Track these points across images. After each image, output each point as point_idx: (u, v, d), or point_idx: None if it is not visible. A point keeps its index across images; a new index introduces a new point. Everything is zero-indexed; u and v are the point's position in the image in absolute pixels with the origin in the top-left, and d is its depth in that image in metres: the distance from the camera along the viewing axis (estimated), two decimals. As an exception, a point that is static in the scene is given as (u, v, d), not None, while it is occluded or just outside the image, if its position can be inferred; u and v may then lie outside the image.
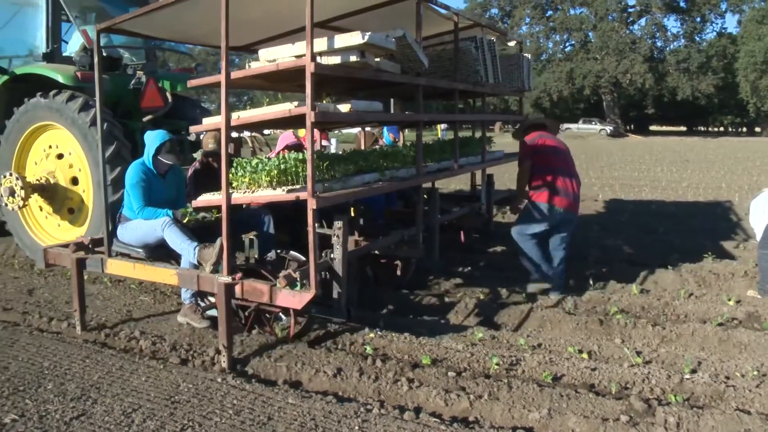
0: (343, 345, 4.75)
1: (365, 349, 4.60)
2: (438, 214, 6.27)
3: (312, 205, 3.96)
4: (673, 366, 4.32)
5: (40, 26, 7.82)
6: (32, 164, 7.75)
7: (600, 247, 7.75)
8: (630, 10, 54.55)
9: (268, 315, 4.92)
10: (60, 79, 7.20)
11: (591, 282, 6.26)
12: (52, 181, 7.53)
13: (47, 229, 7.84)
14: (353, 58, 4.23)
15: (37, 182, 7.50)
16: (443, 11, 5.91)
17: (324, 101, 5.03)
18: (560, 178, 5.96)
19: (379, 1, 5.28)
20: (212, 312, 4.89)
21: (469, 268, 7.13)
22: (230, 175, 4.40)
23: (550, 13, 58.54)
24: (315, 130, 6.71)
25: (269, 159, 4.65)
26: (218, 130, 4.85)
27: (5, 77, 7.80)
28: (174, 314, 5.47)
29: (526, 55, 7.59)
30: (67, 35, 8.36)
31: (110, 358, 4.45)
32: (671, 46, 54.97)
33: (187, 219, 5.06)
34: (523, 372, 4.26)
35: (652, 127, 67.69)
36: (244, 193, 4.45)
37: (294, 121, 4.28)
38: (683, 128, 66.96)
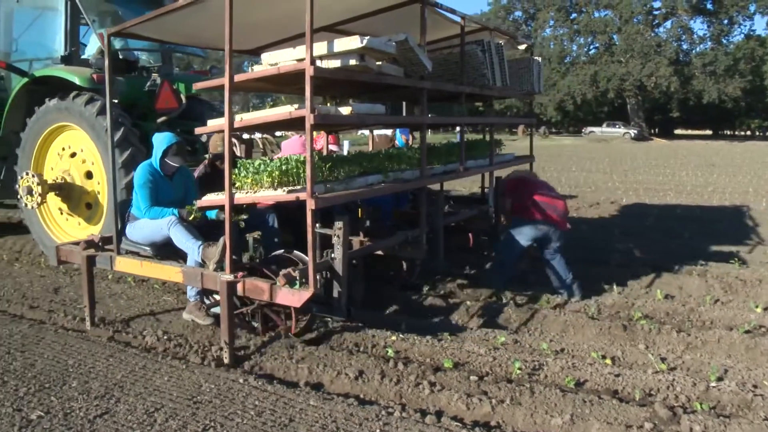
0: (365, 347, 4.75)
1: (387, 351, 4.59)
2: (442, 216, 6.32)
3: (311, 205, 4.05)
4: (698, 373, 4.27)
5: (59, 30, 7.98)
6: (50, 164, 7.93)
7: (623, 252, 7.69)
8: (655, 12, 54.01)
9: (274, 315, 4.97)
10: (77, 81, 7.35)
11: (614, 287, 6.20)
12: (68, 180, 7.73)
13: (64, 228, 8.02)
14: (353, 62, 4.34)
15: (54, 182, 7.70)
16: (450, 15, 5.96)
17: (328, 104, 5.08)
18: (540, 197, 6.17)
19: (382, 6, 5.39)
20: (216, 309, 4.97)
21: (475, 270, 7.14)
22: (233, 176, 4.52)
23: (574, 15, 58.17)
24: (324, 134, 6.82)
25: (272, 160, 4.72)
26: (239, 130, 5.07)
27: (25, 79, 7.94)
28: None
29: (536, 58, 7.63)
30: (86, 38, 8.53)
31: (133, 357, 4.49)
32: (697, 49, 54.37)
33: (192, 217, 5.14)
34: (545, 377, 4.22)
35: (677, 131, 66.91)
36: (246, 193, 4.55)
37: (295, 123, 4.38)
38: (709, 132, 66.12)
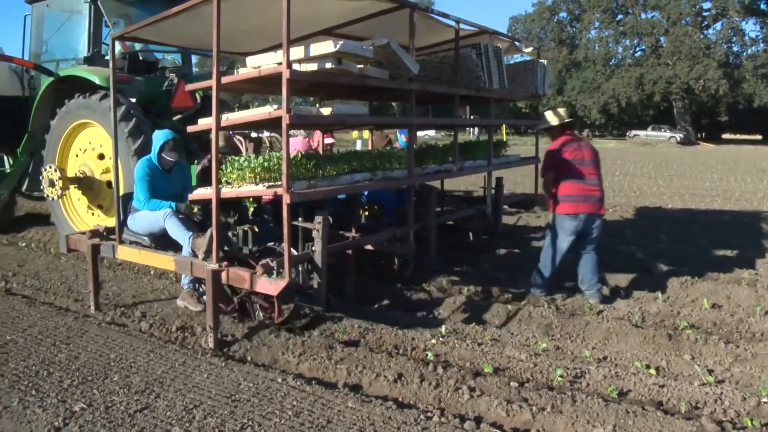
0: (404, 350, 4.73)
1: (426, 355, 4.56)
2: (434, 214, 6.46)
3: (286, 199, 4.27)
4: (748, 387, 4.12)
5: (83, 32, 8.49)
6: (73, 158, 8.46)
7: (668, 258, 7.50)
8: (705, 13, 52.82)
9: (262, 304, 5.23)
10: (96, 80, 7.78)
11: (659, 294, 6.06)
12: (88, 174, 8.22)
13: (84, 219, 8.47)
14: (329, 65, 4.54)
15: (75, 175, 8.25)
16: (443, 19, 6.13)
17: (317, 105, 5.23)
18: (575, 186, 5.97)
19: (372, 12, 5.61)
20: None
21: (469, 267, 7.21)
22: (220, 172, 4.78)
23: (620, 17, 57.21)
24: (318, 132, 7.29)
25: (256, 157, 4.93)
26: (227, 129, 5.46)
27: (51, 78, 8.46)
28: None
29: (542, 60, 7.71)
30: (108, 40, 8.88)
31: (173, 354, 4.54)
32: (749, 51, 52.99)
33: (190, 211, 5.51)
34: (587, 385, 4.14)
35: (725, 135, 65.33)
36: (232, 188, 4.80)
37: (276, 123, 4.53)
38: (759, 137, 64.31)
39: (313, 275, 4.93)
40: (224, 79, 4.77)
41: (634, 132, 54.32)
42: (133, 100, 8.05)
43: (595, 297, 5.93)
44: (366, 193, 7.37)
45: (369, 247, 6.10)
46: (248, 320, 5.26)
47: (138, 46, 8.72)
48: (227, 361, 4.42)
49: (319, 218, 4.81)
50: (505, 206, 8.61)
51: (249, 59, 4.95)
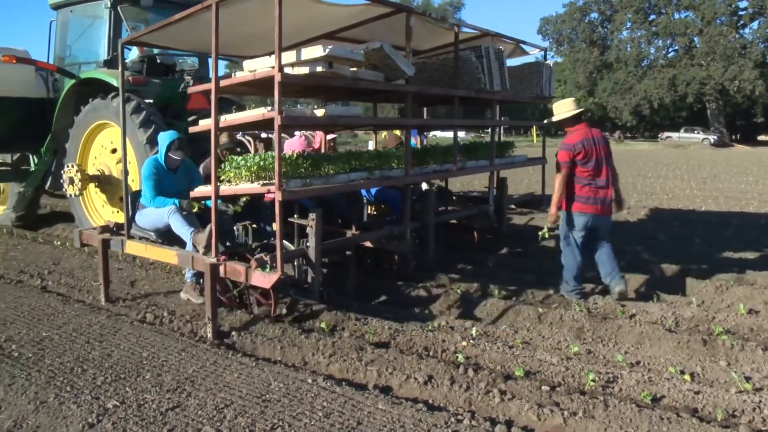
0: (435, 352, 4.71)
1: (457, 357, 4.54)
2: (433, 213, 6.65)
3: (278, 197, 4.55)
4: (787, 395, 4.03)
5: (104, 37, 8.95)
6: (92, 157, 9.07)
7: (703, 262, 7.37)
8: (741, 12, 51.76)
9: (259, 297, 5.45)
10: (114, 82, 8.12)
11: (693, 299, 5.95)
12: (106, 172, 8.63)
13: (103, 215, 8.85)
14: (320, 69, 4.78)
15: (94, 173, 8.74)
16: (440, 22, 6.37)
17: (315, 107, 5.76)
18: (591, 187, 5.97)
19: (369, 17, 5.85)
20: None
21: (471, 265, 7.34)
22: (219, 170, 5.06)
23: (653, 17, 56.34)
24: (319, 132, 7.68)
25: (253, 156, 5.17)
26: (229, 128, 5.79)
27: (73, 81, 8.88)
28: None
29: (548, 62, 7.90)
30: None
31: (204, 353, 4.58)
32: (788, 52, 51.80)
33: (196, 208, 5.82)
34: (620, 390, 4.08)
35: (761, 137, 64.01)
36: (229, 185, 5.06)
37: (269, 123, 4.79)
38: (796, 139, 63.09)
39: (307, 269, 5.18)
40: (222, 82, 5.07)
41: (666, 134, 53.55)
42: (150, 101, 8.40)
43: (621, 284, 5.94)
44: (373, 192, 7.65)
45: (368, 244, 6.32)
46: (279, 321, 5.29)
47: (156, 50, 8.95)
48: (258, 361, 4.44)
49: (312, 215, 5.05)
50: (512, 206, 8.68)
51: (245, 63, 5.20)
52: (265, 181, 4.90)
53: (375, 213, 7.56)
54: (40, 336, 4.97)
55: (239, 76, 5.12)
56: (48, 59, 9.80)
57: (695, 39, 53.51)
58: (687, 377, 4.25)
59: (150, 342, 4.81)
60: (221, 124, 5.07)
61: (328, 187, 5.33)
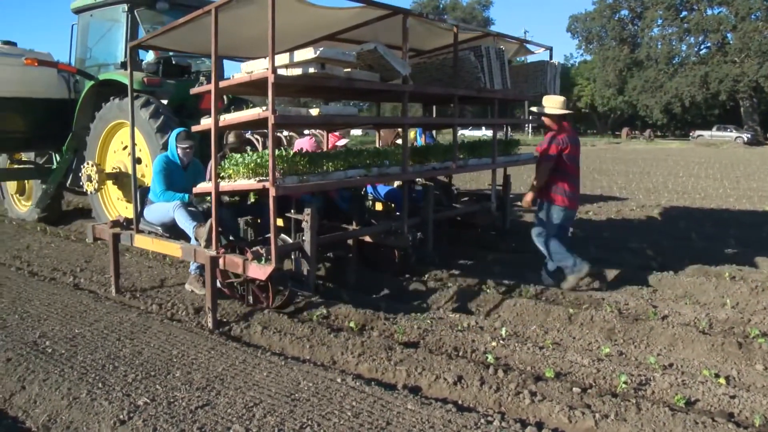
0: (464, 352, 4.68)
1: (487, 357, 4.50)
2: (432, 210, 6.76)
3: (272, 192, 4.72)
4: (827, 401, 3.93)
5: (121, 39, 9.24)
6: (110, 155, 9.31)
7: (736, 263, 7.22)
8: (778, 7, 50.74)
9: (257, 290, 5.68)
10: None
11: (727, 300, 5.84)
12: (122, 169, 8.94)
13: (120, 210, 9.14)
14: (312, 70, 4.94)
15: (111, 171, 9.11)
16: (441, 24, 6.51)
17: (312, 106, 6.00)
18: (571, 183, 6.43)
19: (368, 19, 6.02)
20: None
21: (473, 261, 7.50)
22: (219, 167, 5.26)
23: (684, 13, 55.51)
24: (325, 132, 7.84)
25: (251, 154, 5.34)
26: (236, 126, 6.06)
27: (92, 82, 9.34)
28: (297, 313, 5.63)
29: (553, 61, 7.94)
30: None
31: (234, 351, 4.59)
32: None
33: (197, 202, 6.04)
34: (652, 393, 4.02)
35: (796, 135, 62.80)
36: (229, 182, 5.23)
37: (263, 123, 5.00)
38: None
39: (303, 262, 5.38)
40: (221, 84, 5.28)
41: (698, 132, 52.67)
42: (165, 101, 8.70)
43: (585, 268, 6.28)
44: (382, 192, 7.89)
45: (368, 239, 6.49)
46: (304, 319, 5.30)
47: (172, 52, 9.27)
48: (287, 360, 4.44)
49: (308, 210, 5.32)
50: (517, 203, 8.84)
51: (243, 65, 5.35)
52: (261, 178, 5.06)
53: (385, 211, 7.82)
54: (73, 333, 5.03)
55: (237, 77, 5.30)
56: (70, 61, 10.22)
57: (728, 35, 52.59)
58: (722, 381, 4.17)
59: (180, 340, 4.84)
60: (221, 123, 5.30)
61: (323, 183, 5.49)
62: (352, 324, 5.17)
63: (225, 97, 9.12)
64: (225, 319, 5.41)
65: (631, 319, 5.33)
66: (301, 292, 5.69)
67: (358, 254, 6.67)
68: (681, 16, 55.49)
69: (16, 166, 11.11)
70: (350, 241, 6.47)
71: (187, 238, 5.80)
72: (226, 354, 4.53)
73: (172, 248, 5.78)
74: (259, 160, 5.08)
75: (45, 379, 4.10)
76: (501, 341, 4.73)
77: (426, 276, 6.76)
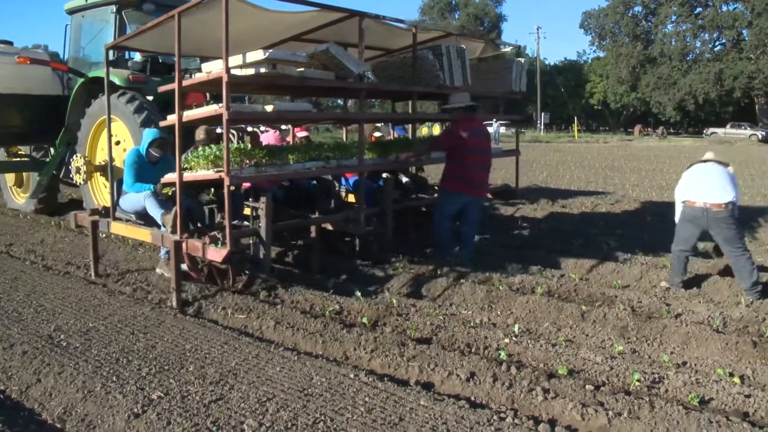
0: (477, 348, 4.68)
1: (499, 354, 4.50)
2: (391, 200, 7.24)
3: (227, 182, 5.23)
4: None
5: (110, 39, 9.50)
6: (100, 149, 9.71)
7: (752, 262, 7.16)
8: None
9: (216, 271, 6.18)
10: (116, 81, 8.88)
11: (741, 299, 5.80)
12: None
13: (108, 201, 9.30)
14: (263, 70, 5.39)
15: (99, 163, 9.57)
16: (398, 24, 6.90)
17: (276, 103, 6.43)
18: (469, 171, 6.90)
19: (326, 22, 6.42)
20: (183, 266, 5.94)
21: (428, 249, 7.69)
22: (183, 160, 5.74)
23: (699, 10, 54.98)
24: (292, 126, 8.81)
25: (212, 147, 5.87)
26: (199, 122, 6.37)
27: (83, 79, 9.73)
28: (310, 309, 5.66)
29: (519, 59, 8.33)
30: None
31: (247, 346, 4.61)
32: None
33: (169, 192, 6.39)
34: (666, 391, 4.01)
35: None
36: (191, 173, 5.72)
37: (218, 118, 5.49)
38: None
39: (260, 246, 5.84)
40: (185, 83, 5.80)
41: (711, 130, 52.20)
42: (150, 98, 9.02)
43: (469, 265, 6.76)
44: (351, 183, 8.32)
45: (329, 227, 7.02)
46: (317, 314, 5.31)
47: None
48: (299, 355, 4.46)
49: (263, 199, 5.70)
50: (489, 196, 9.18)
51: (203, 65, 5.80)
52: (218, 169, 5.47)
53: (354, 202, 8.08)
54: (87, 326, 5.07)
55: (197, 76, 5.79)
56: (64, 59, 10.74)
57: (744, 32, 52.03)
58: (736, 380, 4.15)
59: (193, 334, 4.87)
60: (184, 119, 5.75)
61: (279, 174, 6.07)
62: (364, 320, 5.18)
63: (206, 95, 9.45)
64: (239, 314, 5.43)
65: (645, 316, 5.32)
66: (259, 274, 6.15)
67: (323, 241, 7.10)
68: (695, 12, 54.96)
69: (13, 159, 11.64)
70: (313, 229, 6.87)
71: (158, 226, 6.19)
72: (239, 349, 4.55)
73: (144, 234, 6.29)
74: (218, 153, 5.55)
75: (60, 372, 4.13)
76: (514, 338, 4.73)
77: (386, 263, 6.95)
